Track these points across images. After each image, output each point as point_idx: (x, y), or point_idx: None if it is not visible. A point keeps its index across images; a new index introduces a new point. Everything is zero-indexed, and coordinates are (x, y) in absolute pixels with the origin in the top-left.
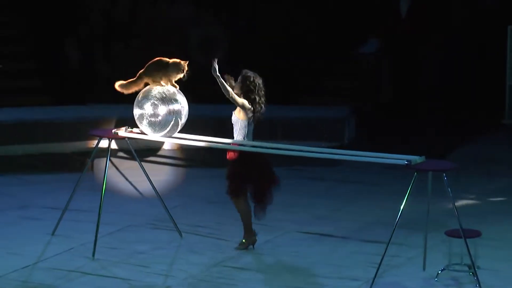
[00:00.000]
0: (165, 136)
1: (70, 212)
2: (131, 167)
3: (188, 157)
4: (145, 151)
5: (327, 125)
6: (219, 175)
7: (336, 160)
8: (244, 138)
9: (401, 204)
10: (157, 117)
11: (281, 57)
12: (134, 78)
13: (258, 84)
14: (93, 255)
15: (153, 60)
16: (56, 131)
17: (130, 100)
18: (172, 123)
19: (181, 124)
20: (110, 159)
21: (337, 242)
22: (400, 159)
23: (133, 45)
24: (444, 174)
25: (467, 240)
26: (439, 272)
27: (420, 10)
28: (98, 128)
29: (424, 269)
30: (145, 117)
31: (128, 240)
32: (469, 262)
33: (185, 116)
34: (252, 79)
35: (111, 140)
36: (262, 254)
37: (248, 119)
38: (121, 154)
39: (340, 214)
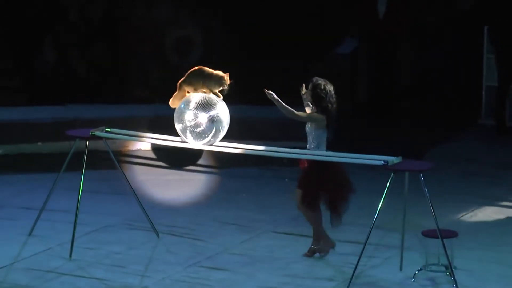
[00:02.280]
0: (207, 144)
1: (47, 212)
2: (108, 167)
3: (164, 157)
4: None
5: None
6: (192, 175)
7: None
8: (318, 146)
9: (378, 205)
10: (199, 126)
11: (258, 58)
12: (177, 90)
13: (329, 91)
14: (70, 255)
15: (194, 69)
16: (32, 131)
17: (106, 100)
18: (213, 131)
19: (223, 132)
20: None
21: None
22: (377, 159)
23: (111, 45)
24: (421, 174)
25: (444, 240)
26: (416, 272)
27: (398, 11)
28: (75, 129)
29: (401, 269)
30: (187, 126)
31: (105, 241)
32: (445, 262)
33: (227, 123)
34: (322, 86)
35: (88, 141)
36: (238, 254)
37: (321, 127)
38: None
39: None
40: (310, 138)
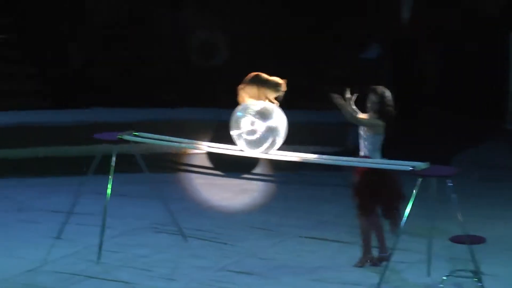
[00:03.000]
0: (264, 152)
1: (73, 215)
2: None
3: (190, 161)
4: (148, 156)
5: (331, 130)
6: (218, 179)
7: (340, 165)
8: (373, 152)
9: (406, 210)
10: (255, 134)
11: (283, 61)
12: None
13: (388, 97)
14: (99, 258)
15: (250, 75)
16: (57, 135)
17: (132, 104)
18: (270, 140)
19: (280, 140)
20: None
21: (340, 247)
22: (404, 165)
23: (135, 48)
24: (449, 180)
25: (472, 246)
26: (444, 278)
27: (422, 17)
28: (102, 133)
29: (428, 274)
30: (242, 133)
31: (131, 244)
32: (473, 268)
33: (284, 132)
34: (387, 95)
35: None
36: (265, 258)
37: (378, 133)
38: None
39: (343, 219)
40: (364, 143)
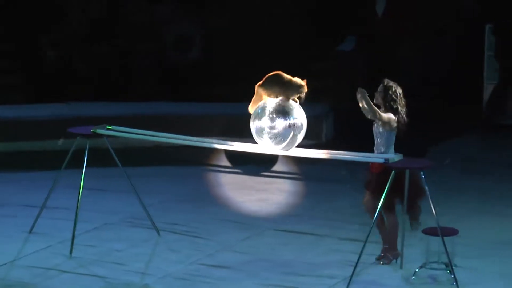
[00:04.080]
0: (284, 149)
1: (48, 210)
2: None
3: (165, 155)
4: (123, 150)
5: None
6: (193, 173)
7: (314, 158)
8: (388, 148)
9: (379, 202)
10: (274, 130)
11: (259, 56)
12: (254, 95)
13: (400, 93)
14: (71, 252)
15: (272, 74)
16: (33, 129)
17: (108, 98)
18: (290, 137)
19: (300, 138)
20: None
21: (314, 240)
22: (377, 157)
23: (112, 43)
24: (422, 172)
25: (445, 238)
26: (417, 270)
27: (396, 11)
28: (76, 127)
29: (401, 267)
30: (264, 131)
31: (106, 238)
32: (446, 260)
33: (303, 129)
34: (394, 89)
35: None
36: (239, 252)
37: (393, 129)
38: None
39: (316, 212)
40: (379, 140)
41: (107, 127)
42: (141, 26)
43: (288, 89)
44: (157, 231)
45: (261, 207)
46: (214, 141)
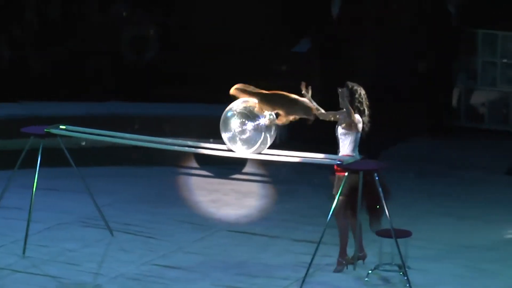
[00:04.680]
0: (254, 152)
1: (0, 210)
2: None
3: (120, 155)
4: (78, 150)
5: None
6: (149, 174)
7: (268, 160)
8: (353, 150)
9: (332, 204)
10: (245, 134)
11: (212, 57)
12: (252, 91)
13: (364, 95)
14: (24, 252)
15: (279, 92)
16: None
17: (63, 98)
18: (261, 139)
19: (270, 140)
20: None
21: (267, 241)
22: (332, 159)
23: (67, 43)
24: (376, 174)
25: (398, 240)
26: (370, 272)
27: (352, 11)
28: (30, 126)
29: (354, 268)
30: (235, 134)
31: (59, 238)
32: (399, 262)
33: (274, 131)
34: (359, 91)
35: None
36: (192, 253)
37: (359, 131)
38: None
39: (270, 213)
40: (345, 142)
41: (61, 126)
42: (97, 26)
43: (294, 110)
44: (111, 231)
45: (215, 208)
46: (168, 141)
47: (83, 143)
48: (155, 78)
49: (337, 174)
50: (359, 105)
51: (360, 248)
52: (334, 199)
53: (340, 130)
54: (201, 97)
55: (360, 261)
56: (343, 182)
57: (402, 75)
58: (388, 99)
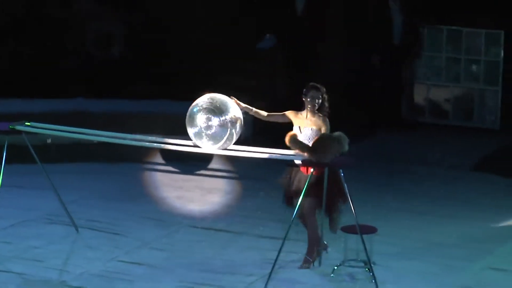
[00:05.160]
0: (220, 148)
1: None
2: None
3: (85, 152)
4: (43, 147)
5: None
6: (114, 171)
7: (233, 156)
8: None
9: (298, 200)
10: (211, 129)
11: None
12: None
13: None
14: None
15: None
16: None
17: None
18: (227, 135)
19: (237, 135)
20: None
21: (232, 237)
22: (298, 156)
23: (33, 40)
24: (341, 170)
25: (363, 236)
26: (335, 268)
27: (317, 8)
28: None
29: (320, 265)
30: (201, 131)
31: (23, 235)
32: (365, 258)
33: (240, 126)
34: (324, 93)
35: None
36: (157, 249)
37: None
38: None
39: (235, 209)
40: (311, 141)
41: (26, 123)
42: (62, 23)
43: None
44: (76, 228)
45: (180, 205)
46: (135, 137)
47: (49, 141)
48: (121, 76)
49: (315, 174)
50: (328, 109)
51: (313, 248)
52: (292, 191)
53: (308, 131)
54: (167, 94)
55: (325, 258)
56: (307, 180)
57: (365, 71)
58: (353, 96)
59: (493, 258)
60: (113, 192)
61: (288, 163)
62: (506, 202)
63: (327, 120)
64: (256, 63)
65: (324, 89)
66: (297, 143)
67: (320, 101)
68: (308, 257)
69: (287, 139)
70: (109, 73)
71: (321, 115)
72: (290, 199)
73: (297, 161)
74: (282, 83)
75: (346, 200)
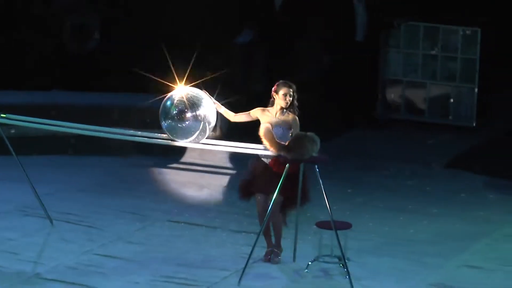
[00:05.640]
0: (194, 142)
1: None
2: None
3: (60, 145)
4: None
5: None
6: (90, 163)
7: (208, 150)
8: None
9: (273, 195)
10: (184, 123)
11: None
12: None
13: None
14: None
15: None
16: None
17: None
18: (200, 128)
19: (210, 129)
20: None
21: (207, 232)
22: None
23: (9, 33)
24: (316, 166)
25: (338, 232)
26: (309, 263)
27: (294, 3)
28: None
29: (294, 260)
30: (174, 123)
31: None
32: (339, 254)
33: (213, 120)
34: (295, 88)
35: None
36: (132, 243)
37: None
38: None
39: (211, 204)
40: (284, 141)
41: (2, 115)
42: (38, 16)
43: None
44: (51, 221)
45: (156, 198)
46: (109, 129)
47: (12, 131)
48: (97, 68)
49: (276, 170)
50: (295, 105)
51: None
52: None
53: (280, 130)
54: (142, 87)
55: (299, 254)
56: (283, 176)
57: (343, 66)
58: (328, 92)
59: (468, 255)
60: (89, 185)
61: (257, 156)
62: (480, 199)
63: (297, 118)
64: (233, 57)
65: (295, 87)
66: (272, 140)
67: (291, 98)
68: (277, 250)
69: (263, 132)
70: (85, 65)
71: (290, 113)
72: (246, 192)
73: (265, 155)
74: (259, 78)
75: (307, 200)
